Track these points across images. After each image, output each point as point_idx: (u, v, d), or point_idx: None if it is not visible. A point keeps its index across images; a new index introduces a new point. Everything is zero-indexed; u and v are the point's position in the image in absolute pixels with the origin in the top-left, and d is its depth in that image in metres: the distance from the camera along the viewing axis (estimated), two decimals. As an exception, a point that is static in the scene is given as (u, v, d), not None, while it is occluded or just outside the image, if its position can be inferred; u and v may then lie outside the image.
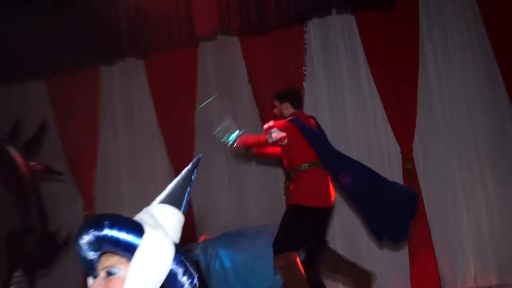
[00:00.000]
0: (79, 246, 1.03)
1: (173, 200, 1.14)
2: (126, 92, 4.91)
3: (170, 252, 1.03)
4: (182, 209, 1.14)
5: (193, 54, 4.66)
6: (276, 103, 3.45)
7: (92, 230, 0.99)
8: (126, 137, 4.84)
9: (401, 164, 4.12)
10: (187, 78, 4.58)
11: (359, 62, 4.35)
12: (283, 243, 3.14)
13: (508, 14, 3.91)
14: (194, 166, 1.18)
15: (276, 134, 3.18)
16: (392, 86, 4.15)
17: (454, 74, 4.19)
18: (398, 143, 4.15)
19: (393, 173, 4.07)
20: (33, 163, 3.86)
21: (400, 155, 4.14)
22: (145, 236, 1.00)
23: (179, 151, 4.55)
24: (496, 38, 3.98)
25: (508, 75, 3.96)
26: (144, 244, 0.98)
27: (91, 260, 1.06)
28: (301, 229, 3.15)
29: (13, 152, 3.76)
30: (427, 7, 4.26)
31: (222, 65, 4.75)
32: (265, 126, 3.28)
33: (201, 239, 3.89)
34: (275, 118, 3.43)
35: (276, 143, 3.21)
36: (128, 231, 0.99)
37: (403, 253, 4.00)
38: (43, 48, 4.13)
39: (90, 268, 1.07)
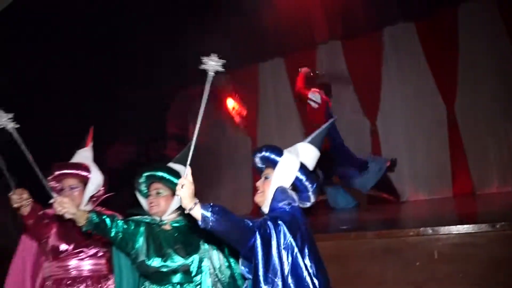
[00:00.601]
0: (255, 163, 1.98)
1: (312, 141, 1.98)
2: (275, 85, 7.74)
3: (295, 165, 1.84)
4: (318, 147, 1.97)
5: (313, 55, 7.24)
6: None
7: (257, 152, 1.94)
8: (277, 116, 7.67)
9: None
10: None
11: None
12: None
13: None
14: (331, 124, 2.09)
15: (316, 98, 5.20)
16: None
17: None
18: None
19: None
20: None
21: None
22: (283, 156, 1.86)
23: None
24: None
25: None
26: (281, 160, 1.85)
27: (260, 168, 1.98)
28: None
29: None
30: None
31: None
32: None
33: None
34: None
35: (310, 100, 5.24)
36: (274, 153, 1.88)
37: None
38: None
39: (260, 173, 1.98)
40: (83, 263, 2.49)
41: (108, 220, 2.07)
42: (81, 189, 2.50)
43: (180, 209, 2.20)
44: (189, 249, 2.17)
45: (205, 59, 1.61)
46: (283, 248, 1.67)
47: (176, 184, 2.10)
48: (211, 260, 2.24)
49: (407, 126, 6.64)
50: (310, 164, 1.91)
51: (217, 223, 1.55)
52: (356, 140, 6.72)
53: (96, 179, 2.53)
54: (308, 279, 1.66)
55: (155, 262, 2.13)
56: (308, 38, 6.97)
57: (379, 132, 6.83)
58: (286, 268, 1.65)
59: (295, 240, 1.68)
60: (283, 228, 1.67)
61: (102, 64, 5.78)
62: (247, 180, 7.23)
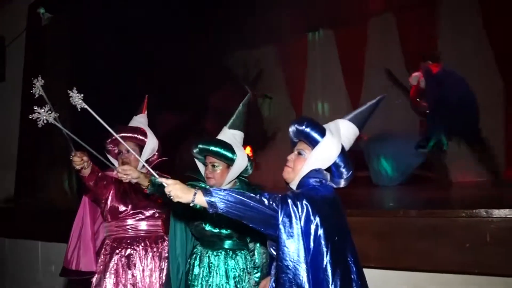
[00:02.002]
0: (291, 132, 1.77)
1: (355, 119, 1.78)
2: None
3: (336, 150, 1.66)
4: (360, 126, 1.78)
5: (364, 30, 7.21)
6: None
7: (296, 124, 1.72)
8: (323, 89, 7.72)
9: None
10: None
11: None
12: None
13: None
14: (378, 103, 1.81)
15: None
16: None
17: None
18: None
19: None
20: None
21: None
22: (324, 137, 1.66)
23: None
24: None
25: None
26: (322, 142, 1.66)
27: (293, 139, 1.81)
28: None
29: None
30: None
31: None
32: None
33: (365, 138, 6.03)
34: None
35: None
36: (316, 131, 1.68)
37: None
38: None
39: (293, 144, 1.83)
40: (141, 223, 2.63)
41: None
42: (137, 152, 2.60)
43: (237, 177, 2.28)
44: None
45: (70, 93, 1.65)
46: (304, 232, 1.52)
47: (230, 159, 2.16)
48: None
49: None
50: (348, 145, 1.76)
51: (225, 204, 1.50)
52: (403, 118, 6.62)
53: (151, 143, 2.65)
54: (329, 269, 1.52)
55: (212, 227, 2.21)
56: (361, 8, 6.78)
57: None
58: (308, 254, 1.52)
59: (322, 225, 1.54)
60: (308, 208, 1.54)
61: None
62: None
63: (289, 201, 1.54)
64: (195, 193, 1.52)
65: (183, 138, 5.73)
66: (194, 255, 2.30)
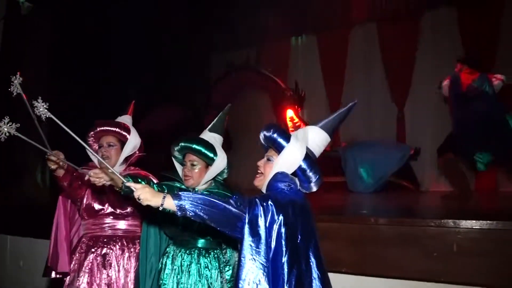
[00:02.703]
0: (261, 138, 1.83)
1: (325, 126, 1.82)
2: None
3: (300, 154, 1.71)
4: (330, 133, 1.81)
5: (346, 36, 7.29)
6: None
7: (264, 130, 1.79)
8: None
9: None
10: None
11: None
12: None
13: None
14: (349, 110, 1.83)
15: None
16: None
17: None
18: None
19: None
20: None
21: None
22: (289, 144, 1.73)
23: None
24: None
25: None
26: (287, 147, 1.72)
27: (264, 146, 1.89)
28: None
29: None
30: None
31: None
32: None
33: (343, 145, 6.32)
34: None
35: None
36: (281, 137, 1.74)
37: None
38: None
39: (265, 150, 1.89)
40: (119, 222, 2.58)
41: (143, 184, 2.14)
42: (118, 148, 2.58)
43: (213, 178, 2.29)
44: None
45: (35, 104, 1.63)
46: (268, 230, 1.58)
47: (211, 158, 2.18)
48: None
49: (435, 115, 6.54)
50: (318, 151, 1.81)
51: (194, 207, 1.53)
52: (381, 125, 6.77)
53: (134, 141, 2.60)
54: (285, 268, 1.58)
55: (185, 226, 2.21)
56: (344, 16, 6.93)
57: (406, 119, 6.78)
58: (270, 251, 1.58)
59: (285, 225, 1.60)
60: (273, 209, 1.59)
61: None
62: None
63: (257, 201, 1.60)
64: (164, 197, 1.55)
65: (183, 134, 5.66)
66: (167, 254, 2.28)
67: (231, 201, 1.59)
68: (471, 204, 4.09)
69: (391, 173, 5.82)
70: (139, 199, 1.56)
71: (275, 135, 1.74)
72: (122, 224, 2.58)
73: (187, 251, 2.24)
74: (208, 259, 2.24)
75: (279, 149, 1.75)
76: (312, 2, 6.70)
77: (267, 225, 1.58)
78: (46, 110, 1.67)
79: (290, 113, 6.87)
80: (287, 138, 1.74)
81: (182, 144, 2.24)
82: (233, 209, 1.58)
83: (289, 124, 6.83)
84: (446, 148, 4.61)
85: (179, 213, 1.55)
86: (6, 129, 1.67)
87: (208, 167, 2.23)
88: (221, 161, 2.23)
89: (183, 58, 6.80)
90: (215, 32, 6.84)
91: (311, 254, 1.71)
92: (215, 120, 2.37)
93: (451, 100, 4.56)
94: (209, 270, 2.22)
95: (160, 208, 1.56)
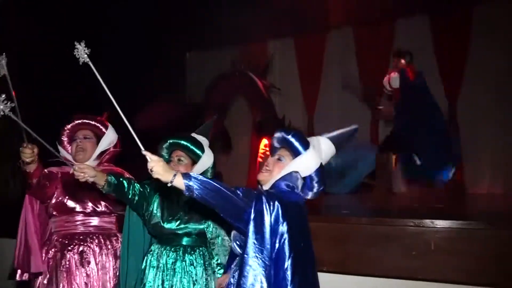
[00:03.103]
0: (276, 137, 1.87)
1: (334, 139, 1.89)
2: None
3: (315, 164, 1.76)
4: (337, 148, 1.89)
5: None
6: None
7: (283, 132, 1.82)
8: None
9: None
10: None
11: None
12: None
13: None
14: (353, 132, 1.97)
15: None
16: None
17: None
18: None
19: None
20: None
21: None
22: (307, 150, 1.77)
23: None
24: None
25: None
26: (305, 154, 1.76)
27: (274, 147, 1.91)
28: None
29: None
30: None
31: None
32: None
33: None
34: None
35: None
36: (301, 142, 1.78)
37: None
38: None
39: (273, 150, 1.92)
40: (92, 220, 2.52)
41: (125, 182, 2.13)
42: (93, 141, 2.55)
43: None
44: (205, 214, 2.22)
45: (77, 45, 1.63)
46: (273, 229, 1.59)
47: (198, 155, 2.18)
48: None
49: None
50: (325, 162, 1.85)
51: (202, 190, 1.54)
52: (357, 124, 6.89)
53: (111, 136, 2.59)
54: (289, 272, 1.58)
55: (170, 225, 2.21)
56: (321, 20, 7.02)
57: (379, 121, 6.95)
58: (273, 251, 1.59)
59: (290, 230, 1.60)
60: (279, 211, 1.60)
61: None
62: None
63: (263, 198, 1.60)
64: (175, 175, 1.55)
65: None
66: (151, 252, 2.27)
67: (238, 191, 1.61)
68: (445, 205, 4.23)
69: (365, 175, 5.94)
70: (151, 171, 1.54)
71: (294, 139, 1.77)
72: (95, 221, 2.53)
73: (172, 249, 2.23)
74: (194, 256, 2.23)
75: (295, 152, 1.78)
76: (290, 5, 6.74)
77: (272, 223, 1.59)
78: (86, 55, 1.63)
79: (265, 142, 6.88)
80: (307, 145, 1.78)
81: (171, 140, 2.25)
82: (239, 200, 1.59)
83: (261, 150, 6.85)
84: (388, 146, 5.00)
85: (186, 193, 1.56)
86: (1, 107, 1.61)
87: (194, 165, 2.24)
88: (207, 159, 2.25)
89: (160, 58, 6.74)
90: (192, 31, 6.79)
91: (309, 259, 1.75)
92: (201, 126, 2.46)
93: (401, 92, 4.83)
94: (194, 267, 2.21)
95: (169, 185, 1.56)
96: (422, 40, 6.62)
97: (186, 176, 1.56)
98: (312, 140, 1.85)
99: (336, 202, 4.99)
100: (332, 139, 1.88)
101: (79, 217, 2.49)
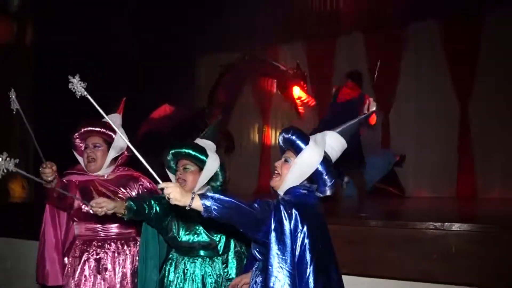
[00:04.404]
0: (279, 140, 1.87)
1: (342, 132, 1.87)
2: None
3: (318, 157, 1.74)
4: (347, 139, 1.86)
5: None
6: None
7: (283, 132, 1.82)
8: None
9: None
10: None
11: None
12: None
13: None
14: (366, 118, 1.71)
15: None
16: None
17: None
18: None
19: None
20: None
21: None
22: (308, 145, 1.76)
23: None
24: None
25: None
26: (305, 149, 1.76)
27: (282, 147, 1.90)
28: None
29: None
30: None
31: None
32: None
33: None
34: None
35: None
36: (300, 139, 1.77)
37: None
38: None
39: (282, 152, 1.90)
40: (111, 225, 2.52)
41: (145, 205, 2.11)
42: (104, 149, 2.52)
43: (209, 185, 2.29)
44: (221, 226, 2.15)
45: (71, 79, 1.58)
46: (293, 238, 1.61)
47: (202, 160, 2.19)
48: (236, 238, 2.31)
49: (419, 122, 6.77)
50: (335, 156, 1.85)
51: (220, 209, 1.54)
52: (366, 131, 6.89)
53: (120, 141, 2.53)
54: (311, 279, 1.60)
55: (185, 238, 2.22)
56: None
57: (391, 125, 6.93)
58: (294, 259, 1.60)
59: (309, 235, 1.63)
60: (297, 218, 1.62)
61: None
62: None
63: (281, 207, 1.62)
64: (193, 198, 1.54)
65: (187, 134, 5.55)
66: (170, 261, 2.28)
67: (256, 205, 1.62)
68: (455, 209, 4.23)
69: (377, 180, 5.95)
70: (168, 198, 1.54)
71: (294, 137, 1.77)
72: (115, 227, 2.53)
73: (190, 259, 2.25)
74: (213, 266, 2.25)
75: (297, 150, 1.77)
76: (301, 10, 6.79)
77: (292, 231, 1.61)
78: (83, 89, 1.60)
79: (296, 90, 6.72)
80: (306, 141, 1.77)
81: (173, 151, 2.25)
82: (257, 214, 1.60)
83: (298, 102, 6.73)
84: None
85: (205, 214, 1.56)
86: (4, 166, 1.61)
87: (201, 171, 2.22)
88: (212, 163, 2.22)
89: (170, 59, 6.78)
90: (203, 34, 6.83)
91: (330, 260, 1.77)
92: (207, 129, 2.45)
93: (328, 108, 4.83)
94: (214, 277, 2.23)
95: (187, 208, 1.55)
96: (433, 44, 6.62)
97: (204, 197, 1.55)
98: (316, 135, 1.85)
99: (350, 206, 5.00)
100: (340, 131, 1.87)
101: (99, 224, 2.49)
